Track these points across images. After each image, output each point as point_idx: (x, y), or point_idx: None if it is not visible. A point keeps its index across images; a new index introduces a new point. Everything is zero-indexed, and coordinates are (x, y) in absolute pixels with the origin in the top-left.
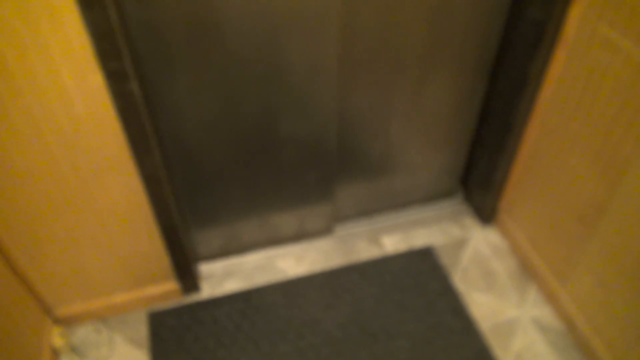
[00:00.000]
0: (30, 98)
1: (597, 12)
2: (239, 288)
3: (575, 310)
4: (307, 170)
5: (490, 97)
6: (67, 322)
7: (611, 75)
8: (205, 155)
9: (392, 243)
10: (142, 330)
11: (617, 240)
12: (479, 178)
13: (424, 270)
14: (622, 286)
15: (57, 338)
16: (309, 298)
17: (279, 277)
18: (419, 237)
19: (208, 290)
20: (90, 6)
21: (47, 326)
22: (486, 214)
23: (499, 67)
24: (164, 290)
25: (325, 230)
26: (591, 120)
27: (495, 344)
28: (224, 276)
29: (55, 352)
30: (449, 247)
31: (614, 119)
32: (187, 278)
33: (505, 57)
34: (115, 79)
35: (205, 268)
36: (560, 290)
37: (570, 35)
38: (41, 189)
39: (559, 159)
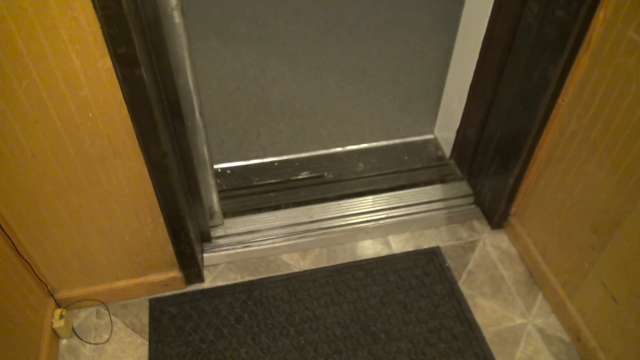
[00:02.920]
0: (37, 79)
1: (623, 16)
2: (242, 279)
3: (582, 323)
4: None
5: (507, 97)
6: (69, 305)
7: (635, 81)
8: None
9: (400, 243)
10: (142, 316)
11: (631, 254)
12: (490, 181)
13: (429, 272)
14: (633, 302)
15: (58, 320)
16: (312, 293)
17: (283, 271)
18: (427, 238)
19: (211, 279)
20: None
21: (49, 308)
22: (496, 218)
23: (515, 67)
24: (167, 278)
25: None
26: (611, 128)
27: (497, 351)
28: (228, 266)
29: (56, 334)
30: (457, 250)
31: (636, 128)
32: (191, 268)
33: (520, 57)
34: (124, 64)
35: (210, 257)
36: (568, 300)
37: (595, 39)
38: (46, 171)
39: (576, 166)
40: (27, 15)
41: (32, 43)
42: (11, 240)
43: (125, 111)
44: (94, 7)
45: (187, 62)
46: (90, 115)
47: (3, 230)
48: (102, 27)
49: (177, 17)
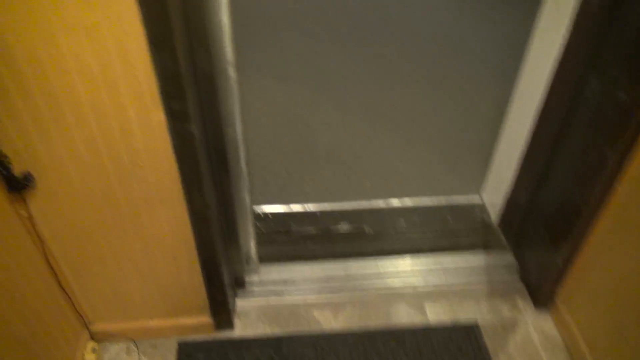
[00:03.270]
0: (95, 128)
1: None
2: (272, 332)
3: None
4: None
5: (560, 172)
6: (101, 339)
7: None
8: None
9: (436, 312)
10: (170, 357)
11: None
12: (537, 257)
13: (465, 350)
14: None
15: (90, 353)
16: (340, 358)
17: (313, 329)
18: (465, 310)
19: (241, 328)
20: (160, 50)
21: (82, 340)
22: (541, 298)
23: (571, 143)
24: (198, 322)
25: None
26: None
27: None
28: (259, 316)
29: None
30: (496, 328)
31: None
32: (222, 314)
33: (577, 133)
34: (176, 118)
35: (242, 304)
36: None
37: None
38: (94, 210)
39: (631, 257)
40: (92, 72)
41: (93, 96)
42: (55, 271)
43: (173, 162)
44: (154, 67)
45: (237, 115)
46: (140, 163)
47: (50, 264)
48: (158, 84)
49: (231, 72)
